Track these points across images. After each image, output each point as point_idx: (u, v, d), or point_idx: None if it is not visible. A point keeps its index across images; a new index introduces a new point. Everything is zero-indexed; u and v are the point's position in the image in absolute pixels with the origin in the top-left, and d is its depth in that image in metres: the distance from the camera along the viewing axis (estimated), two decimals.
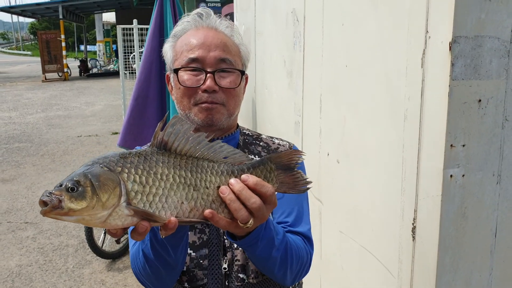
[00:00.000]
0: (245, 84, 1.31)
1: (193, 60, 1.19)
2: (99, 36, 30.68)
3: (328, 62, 1.88)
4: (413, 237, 1.34)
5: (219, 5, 3.89)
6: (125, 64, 9.43)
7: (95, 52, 35.58)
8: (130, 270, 3.96)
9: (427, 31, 1.22)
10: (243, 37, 3.40)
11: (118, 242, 4.33)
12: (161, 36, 3.45)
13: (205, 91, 1.18)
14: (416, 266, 1.35)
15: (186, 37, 1.23)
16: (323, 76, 1.94)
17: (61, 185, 0.78)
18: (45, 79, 21.69)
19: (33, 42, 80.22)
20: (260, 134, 1.39)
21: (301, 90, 2.20)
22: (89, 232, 3.85)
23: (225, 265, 1.21)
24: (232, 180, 0.89)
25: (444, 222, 1.23)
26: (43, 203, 0.76)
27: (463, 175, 1.21)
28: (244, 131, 1.37)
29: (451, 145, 1.19)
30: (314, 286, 2.19)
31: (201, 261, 1.21)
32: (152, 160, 0.86)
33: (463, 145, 1.20)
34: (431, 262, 1.27)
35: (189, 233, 1.20)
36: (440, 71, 1.18)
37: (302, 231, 1.24)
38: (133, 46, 6.71)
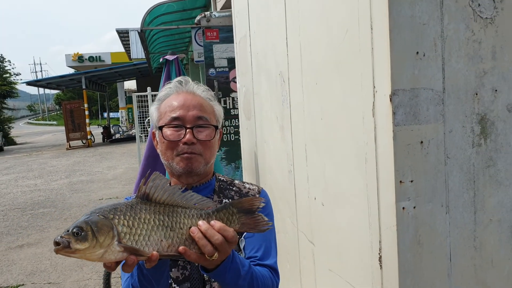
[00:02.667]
0: (219, 137, 1.56)
1: (175, 118, 1.44)
2: (122, 103, 31.73)
3: (308, 117, 2.12)
4: (380, 265, 1.51)
5: (226, 69, 4.22)
6: (142, 128, 9.86)
7: (118, 119, 36.59)
8: None
9: (374, 86, 1.45)
10: (244, 97, 3.70)
11: None
12: None
13: (185, 143, 1.42)
14: None
15: (169, 100, 1.49)
16: (306, 129, 2.17)
17: (68, 231, 1.04)
18: (70, 146, 22.40)
19: (58, 112, 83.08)
20: (233, 180, 1.61)
21: (290, 142, 2.43)
22: (107, 284, 4.01)
23: None
24: (200, 222, 1.14)
25: (402, 249, 1.39)
26: (56, 244, 1.03)
27: (414, 207, 1.39)
28: (219, 177, 1.60)
29: (400, 181, 1.37)
30: None
31: None
32: (137, 208, 1.11)
33: (411, 181, 1.38)
34: (395, 287, 1.43)
35: (173, 269, 1.43)
36: (385, 119, 1.40)
37: (269, 264, 1.48)
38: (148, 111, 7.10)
